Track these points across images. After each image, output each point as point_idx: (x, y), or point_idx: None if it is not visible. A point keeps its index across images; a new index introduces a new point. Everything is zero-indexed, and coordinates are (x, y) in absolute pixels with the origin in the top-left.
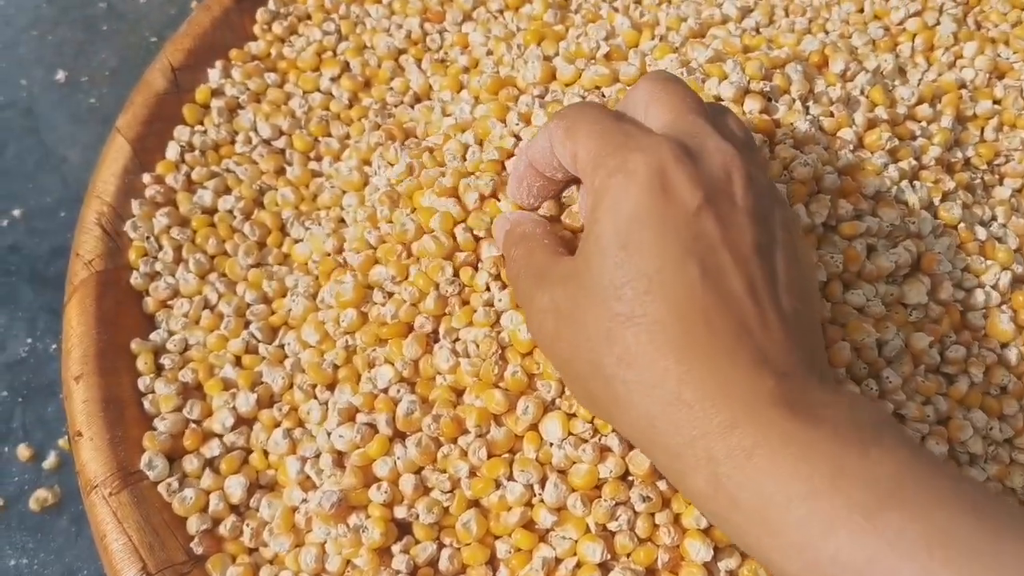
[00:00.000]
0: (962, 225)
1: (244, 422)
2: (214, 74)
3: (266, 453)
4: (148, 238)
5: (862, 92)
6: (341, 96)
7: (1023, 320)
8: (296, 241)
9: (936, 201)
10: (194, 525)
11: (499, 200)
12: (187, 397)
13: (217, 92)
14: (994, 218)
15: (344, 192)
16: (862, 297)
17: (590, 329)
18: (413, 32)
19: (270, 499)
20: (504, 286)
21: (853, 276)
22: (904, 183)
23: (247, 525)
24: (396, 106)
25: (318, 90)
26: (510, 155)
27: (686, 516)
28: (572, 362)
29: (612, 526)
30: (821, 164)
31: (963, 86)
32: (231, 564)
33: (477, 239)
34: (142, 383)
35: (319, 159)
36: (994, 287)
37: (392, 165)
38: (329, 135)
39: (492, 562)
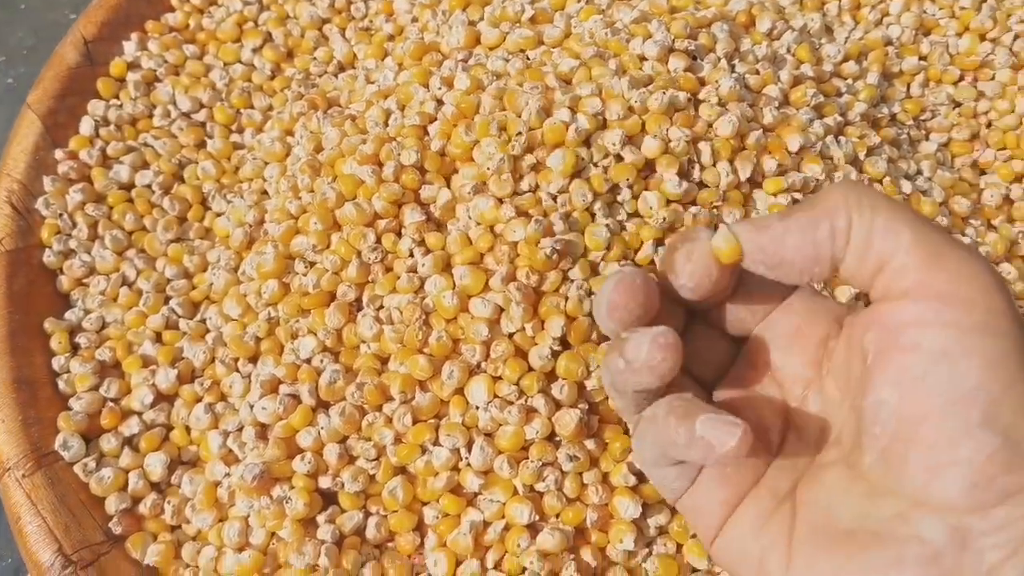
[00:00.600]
0: (887, 179)
1: (164, 399)
2: (130, 47)
3: (188, 429)
4: (61, 215)
5: (788, 50)
6: (263, 67)
7: None
8: (218, 215)
9: (861, 156)
10: (113, 504)
11: (424, 171)
12: (104, 376)
13: (133, 65)
14: (920, 172)
15: (266, 163)
16: None
17: None
18: (337, 1)
19: (192, 475)
20: (428, 251)
21: None
22: (829, 138)
23: (168, 502)
24: (320, 76)
25: (239, 61)
26: (432, 119)
27: (614, 475)
28: None
29: (540, 487)
30: (746, 121)
31: (889, 43)
32: (152, 542)
33: (399, 205)
34: (56, 363)
35: (241, 131)
36: None
37: (314, 135)
38: (251, 107)
39: (420, 528)
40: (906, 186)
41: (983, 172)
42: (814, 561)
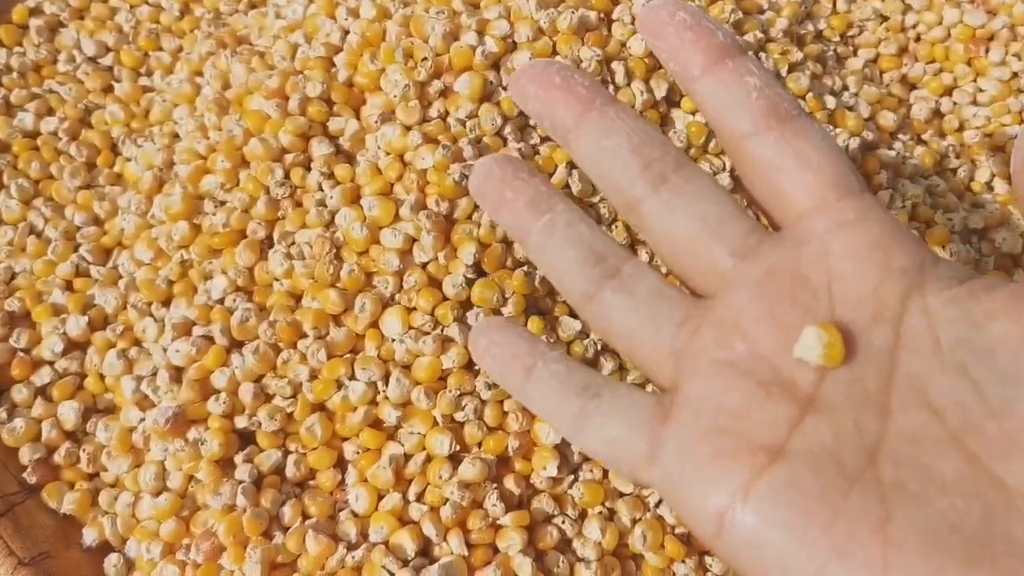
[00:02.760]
0: (810, 95)
1: (76, 347)
2: None
3: (102, 377)
4: None
5: None
6: (171, 7)
7: (875, 185)
8: (128, 160)
9: (783, 72)
10: (26, 455)
11: (332, 103)
12: (14, 327)
13: (36, 11)
14: (845, 88)
15: (176, 106)
16: (707, 172)
17: None
18: None
19: (107, 422)
20: (336, 184)
21: (699, 151)
22: (750, 54)
23: (83, 451)
24: (231, 15)
25: (146, 3)
26: (338, 51)
27: None
28: None
29: (459, 417)
30: None
31: None
32: (68, 491)
33: (307, 139)
34: None
35: (150, 74)
36: None
37: (222, 73)
38: (160, 49)
39: (340, 464)
40: (830, 102)
41: (913, 87)
42: None
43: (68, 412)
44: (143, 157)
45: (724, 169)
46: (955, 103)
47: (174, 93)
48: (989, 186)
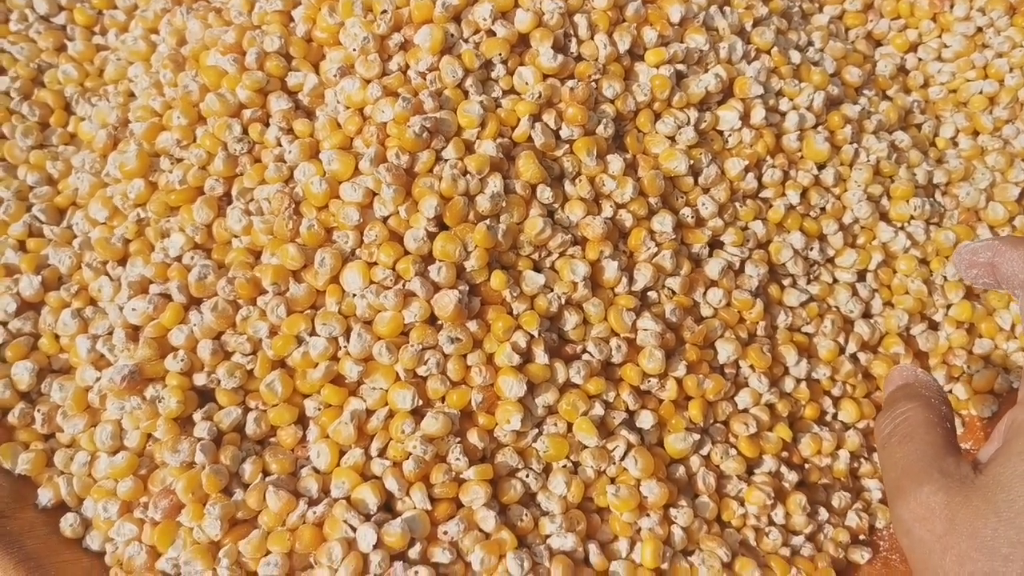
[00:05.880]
0: (775, 50)
1: (30, 307)
2: None
3: (57, 337)
4: None
5: None
6: None
7: (839, 141)
8: (82, 119)
9: (748, 27)
10: None
11: (290, 58)
12: None
13: None
14: (811, 43)
15: (131, 64)
16: (671, 126)
17: (988, 545)
18: None
19: (62, 382)
20: (295, 139)
21: (663, 105)
22: (713, 9)
23: (38, 411)
24: None
25: None
26: (296, 5)
27: (498, 355)
28: (959, 572)
29: (422, 371)
30: None
31: None
32: (23, 451)
33: (265, 95)
34: None
35: (104, 33)
36: (808, 109)
37: (178, 30)
38: (114, 7)
39: (301, 421)
40: (795, 56)
41: (879, 43)
42: None
43: (22, 372)
44: (97, 115)
45: (688, 123)
46: (920, 59)
47: (129, 51)
48: (954, 141)
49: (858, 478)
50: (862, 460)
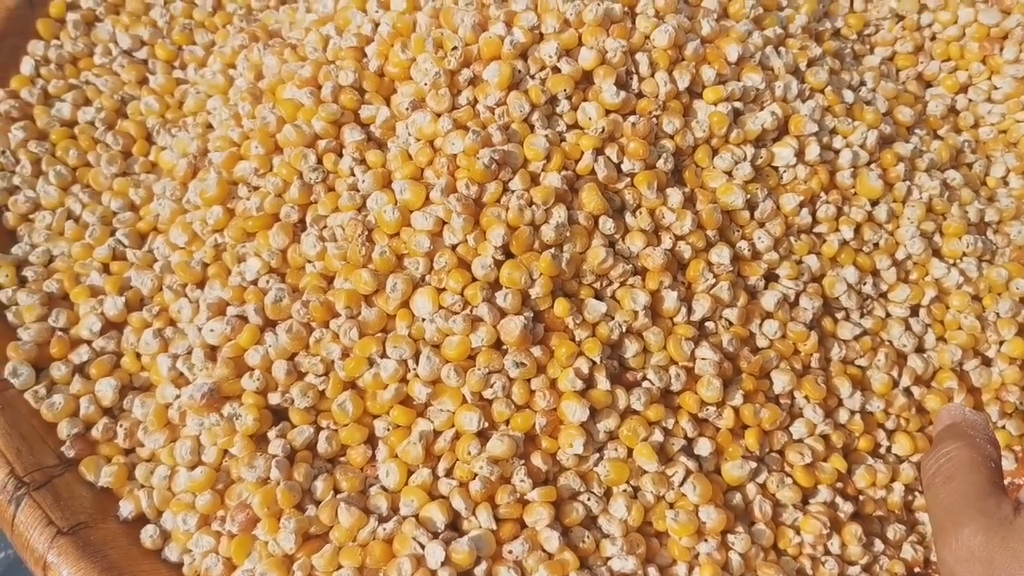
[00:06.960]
0: (829, 89)
1: (113, 327)
2: None
3: (138, 355)
4: (4, 153)
5: None
6: (204, 3)
7: (892, 178)
8: (163, 149)
9: (802, 67)
10: (64, 429)
11: (363, 92)
12: (53, 307)
13: (73, 5)
14: (863, 83)
15: (209, 96)
16: (729, 161)
17: None
18: None
19: (143, 399)
20: (368, 169)
21: (721, 141)
22: (769, 49)
23: (120, 426)
24: (262, 11)
25: None
26: (369, 41)
27: (561, 380)
28: None
29: (488, 394)
30: (683, 32)
31: None
32: (105, 465)
33: (339, 126)
34: (3, 295)
35: (183, 67)
36: (862, 146)
37: (255, 64)
38: (193, 43)
39: (371, 441)
40: (848, 96)
41: (929, 85)
42: None
43: (106, 389)
44: (178, 145)
45: (745, 159)
46: (970, 100)
47: (208, 84)
48: (1004, 181)
49: (912, 511)
50: (916, 493)
